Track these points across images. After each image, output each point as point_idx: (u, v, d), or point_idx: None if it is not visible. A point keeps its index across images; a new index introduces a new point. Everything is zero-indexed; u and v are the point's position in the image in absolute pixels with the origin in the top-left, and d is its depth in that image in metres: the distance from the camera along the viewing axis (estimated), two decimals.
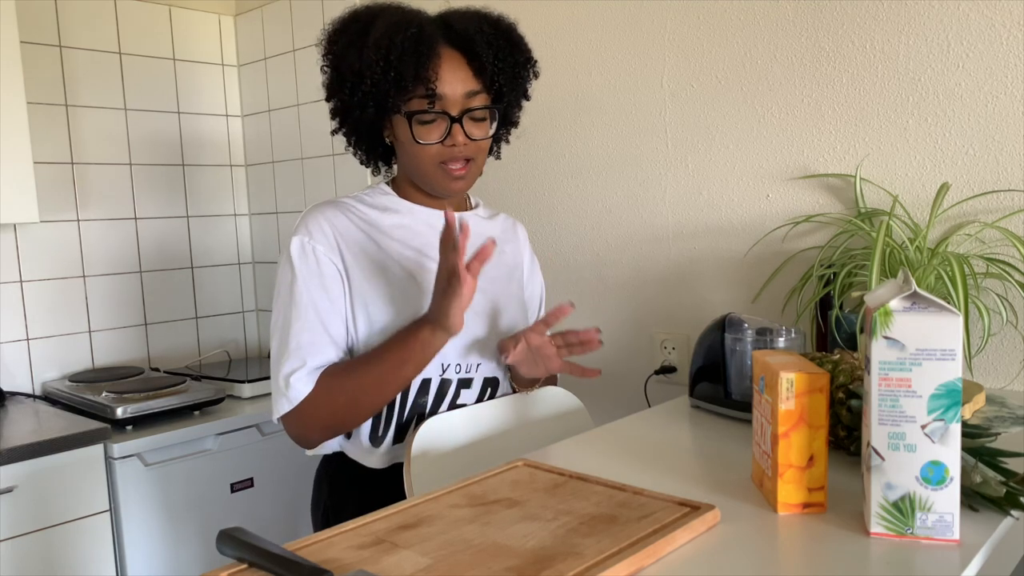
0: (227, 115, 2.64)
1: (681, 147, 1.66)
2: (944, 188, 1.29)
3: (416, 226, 1.18)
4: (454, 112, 1.09)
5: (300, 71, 2.45)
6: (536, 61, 1.19)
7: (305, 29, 2.41)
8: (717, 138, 1.60)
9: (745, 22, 1.53)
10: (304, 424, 1.09)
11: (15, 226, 2.14)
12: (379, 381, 1.06)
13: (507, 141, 1.29)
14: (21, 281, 2.17)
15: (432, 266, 1.11)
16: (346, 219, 1.14)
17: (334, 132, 1.19)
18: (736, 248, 1.59)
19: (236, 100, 2.67)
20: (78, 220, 2.28)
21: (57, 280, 2.24)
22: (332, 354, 1.10)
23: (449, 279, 1.00)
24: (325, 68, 1.14)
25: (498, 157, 1.31)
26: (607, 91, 1.76)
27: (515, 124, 1.26)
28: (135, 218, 2.41)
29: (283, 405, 1.08)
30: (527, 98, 1.23)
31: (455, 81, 1.09)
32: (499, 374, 1.22)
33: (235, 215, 2.67)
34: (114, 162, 2.36)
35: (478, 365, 1.19)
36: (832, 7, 1.42)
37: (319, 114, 2.41)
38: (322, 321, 1.09)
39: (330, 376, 1.08)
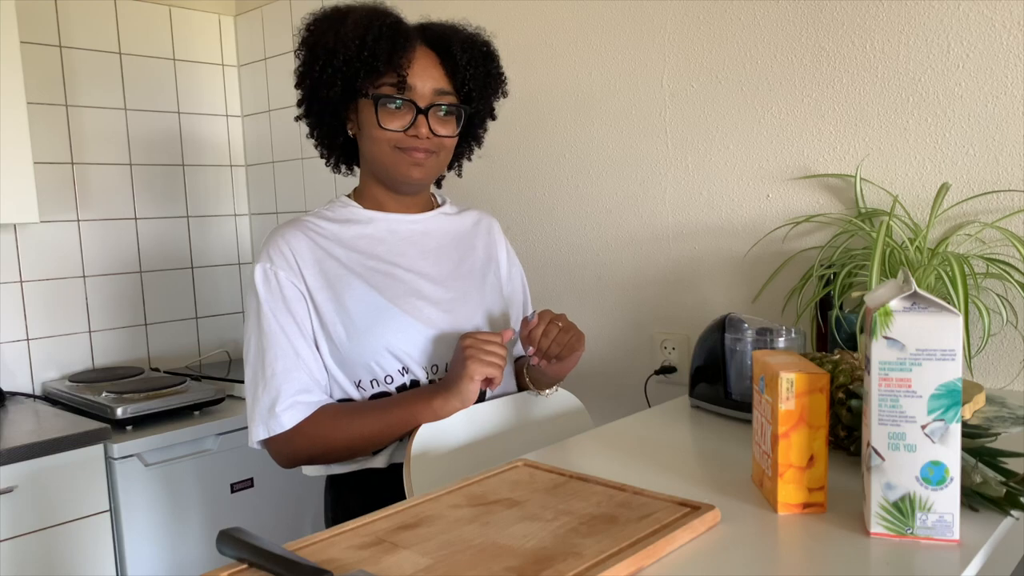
0: (227, 115, 2.64)
1: (681, 147, 1.66)
2: (944, 188, 1.29)
3: (378, 233, 1.19)
4: (422, 104, 1.11)
5: None
6: (506, 80, 1.24)
7: None
8: (717, 138, 1.60)
9: (745, 22, 1.53)
10: (291, 451, 1.11)
11: (15, 226, 2.14)
12: (379, 434, 1.09)
13: (469, 158, 1.32)
14: (21, 281, 2.17)
15: (397, 272, 1.14)
16: (306, 239, 1.15)
17: (297, 119, 1.21)
18: (736, 248, 1.59)
19: (236, 100, 2.67)
20: (78, 220, 2.28)
21: (57, 280, 2.24)
22: (306, 379, 1.11)
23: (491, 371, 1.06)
24: (299, 53, 1.16)
25: (459, 174, 1.34)
26: (607, 91, 1.76)
27: (479, 141, 1.29)
28: (135, 218, 2.41)
29: (260, 432, 1.10)
30: (493, 117, 1.26)
31: (426, 76, 1.12)
32: None
33: (235, 215, 2.67)
34: (114, 162, 2.36)
35: None
36: (832, 7, 1.42)
37: None
38: (293, 347, 1.10)
39: (332, 416, 1.10)
